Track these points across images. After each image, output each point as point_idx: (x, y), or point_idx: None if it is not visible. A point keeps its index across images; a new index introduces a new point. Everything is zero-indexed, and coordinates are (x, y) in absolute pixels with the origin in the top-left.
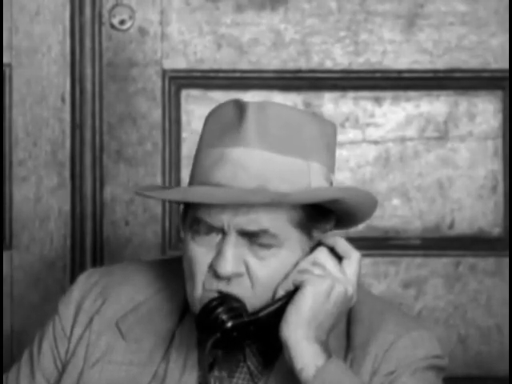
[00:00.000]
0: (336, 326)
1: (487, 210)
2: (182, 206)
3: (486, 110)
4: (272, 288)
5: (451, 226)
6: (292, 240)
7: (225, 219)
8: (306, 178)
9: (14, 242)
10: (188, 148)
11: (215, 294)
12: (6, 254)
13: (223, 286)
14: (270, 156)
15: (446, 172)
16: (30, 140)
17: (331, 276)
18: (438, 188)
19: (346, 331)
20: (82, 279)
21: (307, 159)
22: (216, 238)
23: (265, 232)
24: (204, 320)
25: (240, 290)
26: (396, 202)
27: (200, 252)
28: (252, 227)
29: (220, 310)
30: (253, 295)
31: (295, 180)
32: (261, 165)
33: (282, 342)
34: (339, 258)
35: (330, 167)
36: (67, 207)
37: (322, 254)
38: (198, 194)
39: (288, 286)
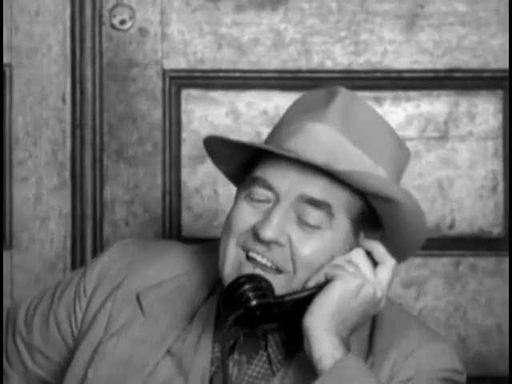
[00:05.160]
0: (360, 326)
1: (487, 210)
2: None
3: (486, 110)
4: (309, 269)
5: (451, 226)
6: (341, 229)
7: (286, 183)
8: None
9: (14, 242)
10: (188, 148)
11: (249, 255)
12: (5, 254)
13: (263, 251)
14: (344, 141)
15: (446, 172)
16: (31, 140)
17: (363, 276)
18: (438, 188)
19: (369, 337)
20: (116, 246)
21: (376, 163)
22: (267, 205)
23: (327, 206)
24: (230, 295)
25: (279, 259)
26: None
27: (248, 211)
28: (317, 195)
29: (247, 287)
30: (291, 269)
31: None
32: (334, 144)
33: (303, 332)
34: (375, 263)
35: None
36: (67, 207)
37: (359, 255)
38: (275, 149)
39: (319, 278)
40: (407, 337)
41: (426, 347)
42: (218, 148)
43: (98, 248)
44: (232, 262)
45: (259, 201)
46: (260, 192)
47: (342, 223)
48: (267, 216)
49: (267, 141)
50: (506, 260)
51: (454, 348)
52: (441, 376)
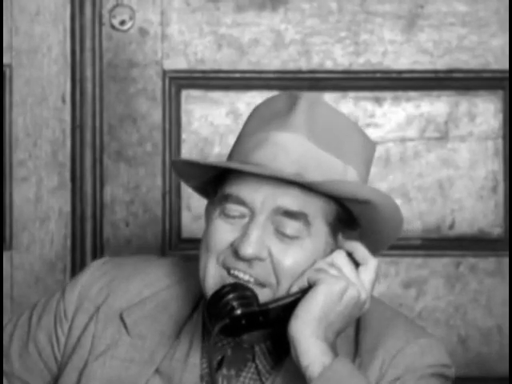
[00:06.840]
0: (345, 329)
1: (487, 211)
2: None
3: (486, 110)
4: (293, 278)
5: (451, 226)
6: (319, 235)
7: (260, 197)
8: (342, 178)
9: (14, 243)
10: (188, 148)
11: (230, 272)
12: (5, 254)
13: (245, 268)
14: (312, 147)
15: (446, 172)
16: (31, 140)
17: (346, 279)
18: (438, 188)
19: (355, 338)
20: (93, 266)
21: (346, 163)
22: (243, 220)
23: (303, 216)
24: (214, 305)
25: (262, 273)
26: (396, 202)
27: (224, 229)
28: (293, 207)
29: (231, 296)
30: (274, 282)
31: (332, 177)
32: (302, 152)
33: (289, 338)
34: (356, 263)
35: (364, 181)
36: (67, 208)
37: (340, 257)
38: (246, 167)
39: (302, 282)
40: (393, 335)
41: (412, 344)
42: (186, 167)
43: (98, 248)
44: (213, 278)
45: (234, 217)
46: (234, 208)
47: (320, 229)
48: (245, 232)
49: (232, 154)
50: (506, 260)
51: (442, 343)
52: (429, 372)
